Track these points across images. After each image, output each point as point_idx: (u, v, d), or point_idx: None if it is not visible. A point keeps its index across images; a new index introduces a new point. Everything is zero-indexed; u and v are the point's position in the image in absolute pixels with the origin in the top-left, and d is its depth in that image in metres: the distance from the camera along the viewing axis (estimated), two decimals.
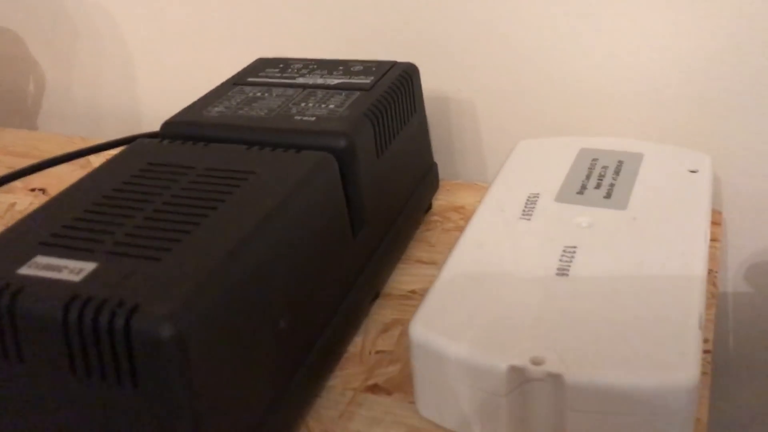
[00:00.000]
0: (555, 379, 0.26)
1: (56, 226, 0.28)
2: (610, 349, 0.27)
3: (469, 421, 0.29)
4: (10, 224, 0.48)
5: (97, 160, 0.56)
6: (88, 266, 0.25)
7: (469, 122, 0.51)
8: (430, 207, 0.46)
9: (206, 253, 0.25)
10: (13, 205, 0.51)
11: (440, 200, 0.47)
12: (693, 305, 0.28)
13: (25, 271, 0.25)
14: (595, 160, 0.40)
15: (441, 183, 0.49)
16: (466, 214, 0.45)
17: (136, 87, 0.62)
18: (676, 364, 0.26)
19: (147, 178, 0.31)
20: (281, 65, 0.42)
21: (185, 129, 0.36)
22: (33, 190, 0.53)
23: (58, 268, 0.25)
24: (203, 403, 0.24)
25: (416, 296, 0.38)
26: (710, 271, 0.38)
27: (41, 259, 0.26)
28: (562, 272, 0.31)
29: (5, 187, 0.53)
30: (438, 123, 0.52)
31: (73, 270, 0.25)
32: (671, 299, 0.29)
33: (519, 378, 0.27)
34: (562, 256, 0.32)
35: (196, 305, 0.23)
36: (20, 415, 0.25)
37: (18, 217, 0.50)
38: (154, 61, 0.60)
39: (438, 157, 0.53)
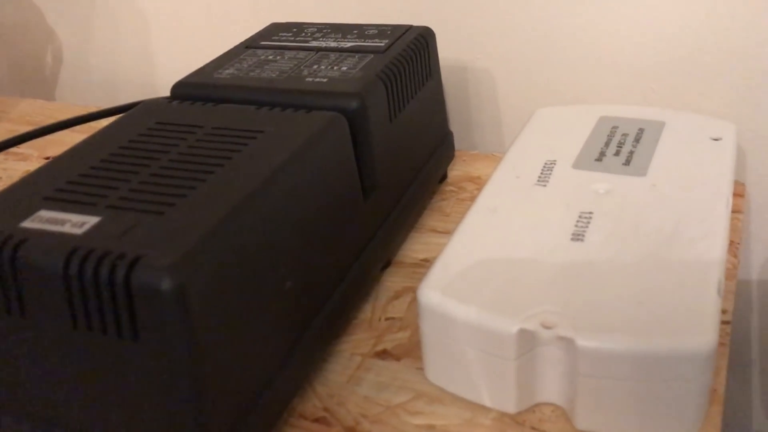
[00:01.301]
0: (566, 343, 0.26)
1: (61, 181, 0.28)
2: (624, 314, 0.26)
3: (478, 386, 0.28)
4: None
5: None
6: (92, 220, 0.25)
7: (486, 92, 0.50)
8: (445, 177, 0.45)
9: (210, 207, 0.25)
10: (27, 171, 0.51)
11: (456, 170, 0.46)
12: (712, 271, 0.28)
13: (28, 224, 0.25)
14: (615, 127, 0.39)
15: (457, 153, 0.48)
16: (482, 185, 0.44)
17: (152, 56, 0.62)
18: (691, 329, 0.25)
19: (154, 137, 0.30)
20: (295, 29, 0.42)
21: (195, 90, 0.35)
22: (48, 158, 0.53)
23: (61, 222, 0.25)
24: (205, 358, 0.23)
25: (428, 265, 0.38)
26: (732, 243, 0.36)
27: (44, 213, 0.25)
28: (577, 237, 0.30)
29: (21, 154, 0.54)
30: (455, 93, 0.51)
31: (76, 224, 0.25)
32: (689, 265, 0.28)
33: (529, 342, 0.26)
34: (578, 221, 0.31)
35: (197, 258, 0.23)
36: (22, 368, 0.25)
37: None
38: (171, 29, 0.59)
39: (455, 128, 0.52)
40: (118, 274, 0.22)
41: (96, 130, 0.55)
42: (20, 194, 0.27)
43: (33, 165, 0.52)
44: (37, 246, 0.24)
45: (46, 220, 0.25)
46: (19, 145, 0.48)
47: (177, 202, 0.25)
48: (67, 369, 0.24)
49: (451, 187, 0.44)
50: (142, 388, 0.24)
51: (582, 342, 0.25)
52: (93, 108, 0.61)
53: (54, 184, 0.27)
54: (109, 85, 0.65)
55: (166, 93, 0.63)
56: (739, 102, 0.43)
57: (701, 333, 0.25)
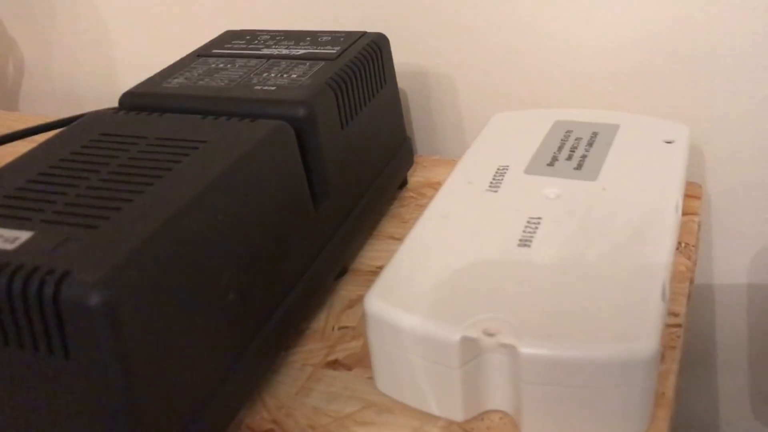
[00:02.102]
0: (509, 350, 0.25)
1: None
2: (567, 320, 0.26)
3: (425, 394, 0.28)
4: None
5: None
6: (24, 235, 0.24)
7: (448, 97, 0.50)
8: (405, 183, 0.45)
9: (144, 220, 0.24)
10: None
11: (417, 176, 0.46)
12: (657, 275, 0.27)
13: None
14: (569, 131, 0.39)
15: (419, 159, 0.48)
16: None
17: (116, 66, 0.61)
18: (633, 334, 0.25)
19: (97, 148, 0.30)
20: (248, 37, 0.41)
21: (143, 100, 0.35)
22: None
23: None
24: (137, 374, 0.23)
25: None
26: (686, 245, 0.37)
27: None
28: (524, 243, 0.30)
29: None
30: (416, 98, 0.50)
31: (8, 239, 0.24)
32: (634, 269, 0.28)
33: (473, 350, 0.26)
34: (526, 226, 0.31)
35: (127, 273, 0.22)
36: None
37: None
38: (134, 39, 0.59)
39: (416, 133, 0.51)
40: (47, 291, 0.22)
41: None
42: None
43: None
44: None
45: None
46: None
47: (111, 215, 0.25)
48: (1, 387, 0.24)
49: (411, 193, 0.44)
50: (75, 406, 0.23)
51: (524, 349, 0.25)
52: (54, 119, 0.60)
53: None
54: (71, 95, 0.65)
55: None
56: (696, 103, 0.43)
57: (643, 338, 0.25)
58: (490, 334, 0.25)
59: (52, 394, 0.23)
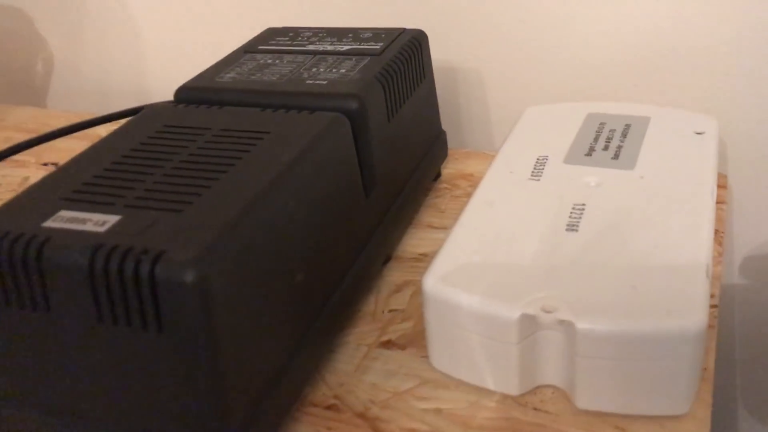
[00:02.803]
0: (566, 326, 0.27)
1: (77, 183, 0.29)
2: (619, 298, 0.27)
3: (482, 370, 0.29)
4: None
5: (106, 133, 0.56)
6: (112, 218, 0.26)
7: (476, 92, 0.51)
8: (439, 175, 0.46)
9: (226, 205, 0.26)
10: (27, 179, 0.52)
11: (449, 168, 0.48)
12: (701, 255, 0.29)
13: (50, 224, 0.26)
14: (602, 123, 0.40)
15: (449, 152, 0.50)
16: (474, 182, 0.46)
17: (144, 63, 0.63)
18: (683, 309, 0.27)
19: (163, 139, 0.31)
20: (291, 34, 0.43)
21: (198, 94, 0.36)
22: (45, 164, 0.54)
23: (82, 221, 0.26)
24: (224, 348, 0.24)
25: (427, 259, 0.39)
26: (717, 232, 0.38)
27: (65, 213, 0.26)
28: (572, 228, 0.32)
29: (19, 161, 0.54)
30: (445, 94, 0.52)
31: (97, 222, 0.26)
32: (679, 250, 0.29)
33: (531, 326, 0.28)
34: (572, 212, 0.33)
35: (218, 252, 0.24)
36: (46, 363, 0.26)
37: None
38: (163, 35, 0.60)
39: (446, 127, 0.53)
40: (143, 269, 0.23)
41: (93, 136, 0.56)
42: (37, 197, 0.28)
43: (31, 171, 0.53)
44: (61, 243, 0.25)
45: (67, 219, 0.26)
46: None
47: (194, 200, 0.27)
48: (91, 362, 0.25)
49: (445, 185, 0.46)
50: (164, 378, 0.25)
51: (581, 325, 0.26)
52: (86, 115, 0.61)
53: (70, 187, 0.28)
54: (100, 92, 0.66)
55: (158, 99, 0.64)
56: (720, 97, 0.45)
57: (692, 313, 0.26)
58: (548, 311, 0.27)
59: (142, 367, 0.25)
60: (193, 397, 0.25)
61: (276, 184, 0.28)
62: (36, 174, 0.52)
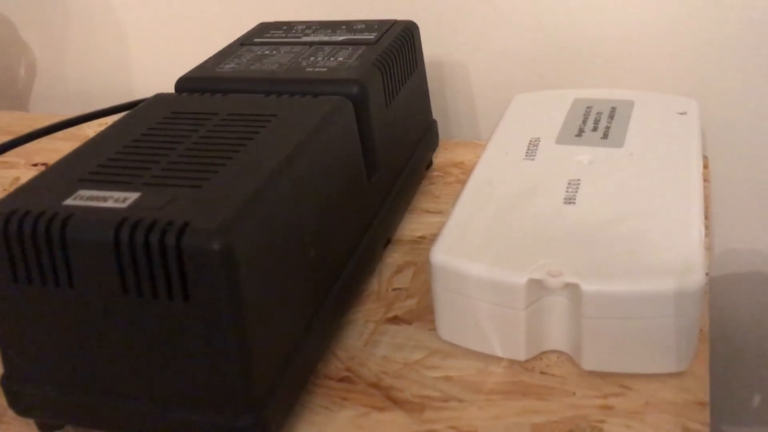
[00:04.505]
0: (571, 289, 0.28)
1: (92, 165, 0.29)
2: (620, 261, 0.29)
3: (489, 337, 0.30)
4: None
5: (93, 133, 0.57)
6: (132, 195, 0.27)
7: (462, 83, 0.53)
8: (431, 164, 0.48)
9: (244, 180, 0.27)
10: (17, 179, 0.52)
11: (439, 158, 0.49)
12: (693, 221, 0.31)
13: (70, 202, 0.26)
14: (589, 107, 0.42)
15: (439, 142, 0.51)
16: (465, 169, 0.47)
17: (128, 64, 0.63)
18: (682, 269, 0.28)
19: (174, 123, 0.32)
20: (284, 27, 0.44)
21: (200, 84, 0.37)
22: (35, 164, 0.54)
23: (103, 198, 0.26)
24: (249, 316, 0.25)
25: (425, 241, 0.40)
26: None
27: (84, 192, 0.27)
28: (569, 201, 0.33)
29: (8, 162, 0.54)
30: (433, 85, 0.53)
31: (118, 199, 0.26)
32: (673, 218, 0.31)
33: (537, 291, 0.29)
34: (568, 187, 0.34)
35: (240, 222, 0.25)
36: (71, 340, 0.27)
37: None
38: (147, 38, 0.61)
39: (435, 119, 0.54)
40: (169, 240, 0.24)
41: (81, 136, 0.56)
42: (53, 179, 0.29)
43: (21, 172, 0.53)
44: (84, 220, 0.25)
45: (87, 197, 0.27)
46: (4, 154, 0.48)
47: (210, 177, 0.27)
48: (115, 335, 0.26)
49: (437, 173, 0.47)
50: (190, 348, 0.25)
51: (586, 286, 0.28)
52: (72, 117, 0.61)
53: (86, 168, 0.29)
54: (84, 94, 0.66)
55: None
56: (700, 80, 0.47)
57: (691, 272, 0.28)
58: (554, 276, 0.28)
59: (168, 337, 0.25)
60: (219, 365, 0.25)
61: (289, 162, 0.29)
62: (26, 174, 0.53)
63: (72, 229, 0.25)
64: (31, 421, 0.30)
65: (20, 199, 0.27)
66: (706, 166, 0.45)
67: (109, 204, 0.26)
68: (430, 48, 0.52)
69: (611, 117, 0.40)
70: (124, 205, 0.26)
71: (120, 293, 0.25)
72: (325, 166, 0.31)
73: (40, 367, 0.28)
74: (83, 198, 0.27)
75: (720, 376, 0.55)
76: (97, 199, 0.27)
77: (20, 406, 0.29)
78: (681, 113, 0.40)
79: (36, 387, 0.28)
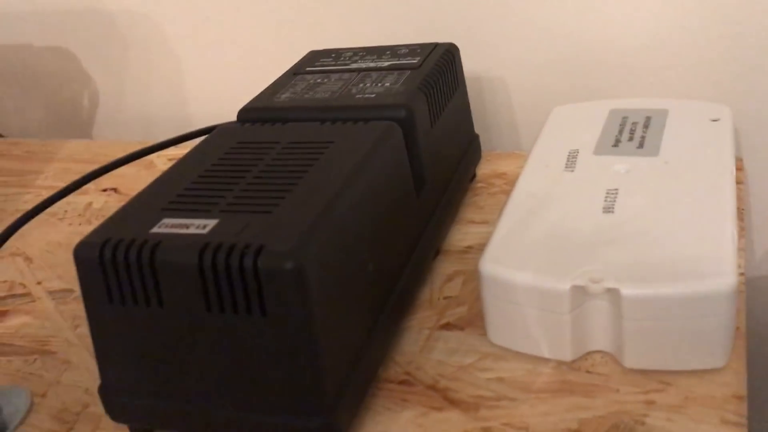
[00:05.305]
0: (612, 294, 0.31)
1: (172, 195, 0.33)
2: (657, 267, 0.31)
3: (537, 340, 0.33)
4: (90, 221, 0.53)
5: (158, 160, 0.60)
6: (211, 222, 0.30)
7: (502, 97, 0.55)
8: (474, 176, 0.50)
9: (309, 204, 0.30)
10: (90, 204, 0.56)
11: (483, 169, 0.51)
12: (726, 227, 0.33)
13: (157, 230, 0.30)
14: (625, 118, 0.44)
15: (482, 155, 0.53)
16: (509, 180, 0.50)
17: (185, 93, 0.67)
18: (716, 272, 0.30)
19: (240, 153, 0.35)
20: (333, 55, 0.47)
21: (260, 114, 0.40)
22: (105, 190, 0.58)
23: (186, 226, 0.30)
24: (319, 328, 0.28)
25: (473, 251, 0.43)
26: (738, 209, 0.42)
27: (168, 221, 0.30)
28: (608, 210, 0.35)
29: (80, 190, 0.58)
30: (474, 100, 0.56)
31: (199, 226, 0.30)
32: (707, 223, 0.33)
33: (580, 297, 0.31)
34: (606, 197, 0.36)
35: (309, 245, 0.28)
36: (160, 353, 0.30)
37: (96, 214, 0.54)
38: (201, 66, 0.64)
39: (477, 132, 0.57)
40: (247, 262, 0.27)
41: (146, 162, 0.60)
42: (139, 208, 0.32)
43: (93, 197, 0.57)
44: (171, 246, 0.29)
45: (171, 225, 0.30)
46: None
47: (279, 203, 0.30)
48: (201, 348, 0.29)
49: (481, 184, 0.50)
50: (267, 358, 0.28)
51: (626, 291, 0.30)
52: (134, 143, 0.66)
53: (167, 198, 0.32)
54: (144, 121, 0.71)
55: (199, 126, 0.68)
56: (732, 88, 0.48)
57: (724, 275, 0.30)
58: (596, 282, 0.31)
59: (247, 349, 0.29)
60: (293, 373, 0.28)
61: (348, 185, 0.32)
62: (97, 198, 0.57)
63: (160, 255, 0.28)
64: (124, 427, 0.33)
65: (112, 228, 0.31)
66: (740, 168, 0.46)
67: (192, 230, 0.29)
68: (470, 65, 0.55)
69: (646, 126, 0.42)
70: (204, 231, 0.29)
71: (204, 310, 0.29)
72: (378, 186, 0.34)
73: (133, 378, 0.31)
74: (168, 226, 0.30)
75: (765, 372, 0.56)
76: (180, 226, 0.30)
77: (115, 413, 0.32)
78: (714, 120, 0.42)
79: (129, 396, 0.31)
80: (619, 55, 0.50)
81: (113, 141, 0.67)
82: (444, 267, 0.42)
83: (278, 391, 0.29)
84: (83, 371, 0.38)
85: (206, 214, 0.30)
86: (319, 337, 0.28)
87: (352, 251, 0.31)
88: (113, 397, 0.32)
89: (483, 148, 0.57)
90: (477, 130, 0.57)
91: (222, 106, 0.66)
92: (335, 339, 0.29)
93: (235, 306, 0.28)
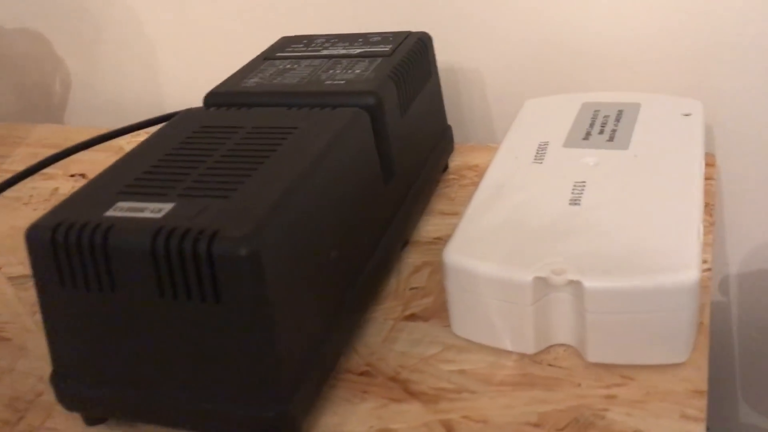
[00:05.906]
0: (575, 286, 0.30)
1: (129, 179, 0.32)
2: (621, 259, 0.31)
3: (500, 333, 0.32)
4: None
5: (128, 146, 0.59)
6: (167, 206, 0.29)
7: (476, 89, 0.55)
8: (446, 167, 0.50)
9: (268, 190, 0.29)
10: (56, 189, 0.55)
11: (455, 161, 0.51)
12: (691, 221, 0.32)
13: (110, 213, 0.29)
14: (597, 111, 0.44)
15: (455, 146, 0.53)
16: (480, 172, 0.49)
17: (159, 78, 0.66)
18: (679, 266, 0.30)
19: (203, 137, 0.35)
20: (305, 41, 0.46)
21: (227, 98, 0.39)
22: (72, 175, 0.57)
23: (140, 209, 0.29)
24: (276, 316, 0.28)
25: (441, 242, 0.42)
26: (707, 204, 0.41)
27: (123, 204, 0.30)
28: (575, 202, 0.35)
29: (47, 174, 0.57)
30: (448, 91, 0.55)
31: (154, 210, 0.29)
32: (672, 217, 0.33)
33: (543, 288, 0.31)
34: (573, 189, 0.36)
35: (266, 230, 0.27)
36: (113, 340, 0.29)
37: (62, 199, 0.53)
38: (175, 52, 0.63)
39: (450, 124, 0.56)
40: (201, 247, 0.27)
41: (115, 147, 0.59)
42: (94, 192, 0.31)
43: (60, 183, 0.56)
44: (124, 230, 0.28)
45: (126, 209, 0.29)
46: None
47: (238, 187, 0.30)
48: (153, 334, 0.29)
49: (453, 176, 0.49)
50: (222, 347, 0.28)
51: (588, 283, 0.30)
52: (105, 129, 0.65)
53: (123, 182, 0.31)
54: (116, 106, 0.69)
55: (173, 110, 0.67)
56: (705, 82, 0.48)
57: (687, 269, 0.30)
58: (558, 273, 0.30)
59: (201, 337, 0.28)
60: (248, 362, 0.28)
61: (310, 171, 0.31)
62: (64, 184, 0.56)
63: (113, 238, 0.28)
64: (77, 415, 0.33)
65: (65, 211, 0.30)
66: (712, 164, 0.46)
67: (146, 214, 0.29)
68: (444, 56, 0.54)
69: (618, 120, 0.42)
70: (159, 216, 0.28)
71: (157, 296, 0.28)
72: (344, 173, 0.33)
73: (86, 364, 0.30)
74: (122, 209, 0.29)
75: (748, 367, 0.56)
76: (135, 210, 0.29)
77: (67, 401, 0.31)
78: (686, 114, 0.42)
79: (82, 383, 0.31)
80: (594, 48, 0.50)
81: (85, 127, 0.66)
82: (412, 258, 0.41)
83: (233, 380, 0.28)
84: (39, 358, 0.37)
85: (162, 198, 0.30)
86: (274, 326, 0.28)
87: (313, 238, 0.30)
88: (65, 385, 0.31)
89: (457, 140, 0.56)
90: (451, 122, 0.56)
91: (195, 91, 0.65)
92: (293, 328, 0.29)
93: (189, 292, 0.27)
